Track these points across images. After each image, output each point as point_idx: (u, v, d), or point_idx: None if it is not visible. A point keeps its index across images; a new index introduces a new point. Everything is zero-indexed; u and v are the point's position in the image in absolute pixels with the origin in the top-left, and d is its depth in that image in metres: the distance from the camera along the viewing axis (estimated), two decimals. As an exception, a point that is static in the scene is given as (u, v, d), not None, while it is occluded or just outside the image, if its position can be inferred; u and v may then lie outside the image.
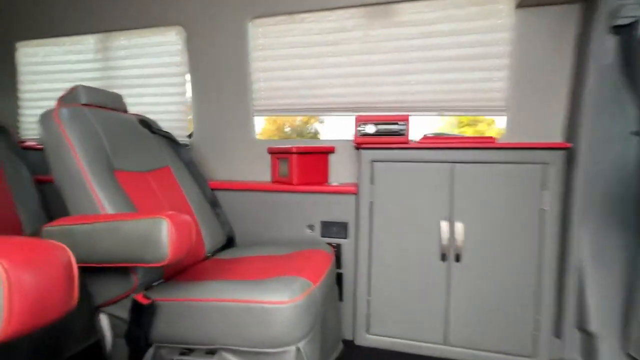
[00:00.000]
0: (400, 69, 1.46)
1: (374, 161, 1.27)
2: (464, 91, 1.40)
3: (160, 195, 1.20)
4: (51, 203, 1.47)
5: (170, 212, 0.84)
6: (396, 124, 1.24)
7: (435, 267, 1.24)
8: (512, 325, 1.21)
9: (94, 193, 0.98)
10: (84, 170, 0.98)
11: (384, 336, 1.32)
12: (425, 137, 1.26)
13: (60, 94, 1.89)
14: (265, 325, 0.84)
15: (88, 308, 1.04)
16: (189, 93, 1.69)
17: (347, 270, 1.41)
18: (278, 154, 1.51)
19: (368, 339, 1.33)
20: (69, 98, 1.15)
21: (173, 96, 1.70)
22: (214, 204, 1.47)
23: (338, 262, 1.40)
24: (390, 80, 1.47)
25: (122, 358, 0.97)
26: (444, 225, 1.22)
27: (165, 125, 1.69)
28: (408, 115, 1.24)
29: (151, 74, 1.72)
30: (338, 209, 1.40)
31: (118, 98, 1.29)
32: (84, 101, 1.15)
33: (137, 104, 1.75)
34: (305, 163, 1.44)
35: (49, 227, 0.88)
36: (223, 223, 1.46)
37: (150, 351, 0.94)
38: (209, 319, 0.87)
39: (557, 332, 1.24)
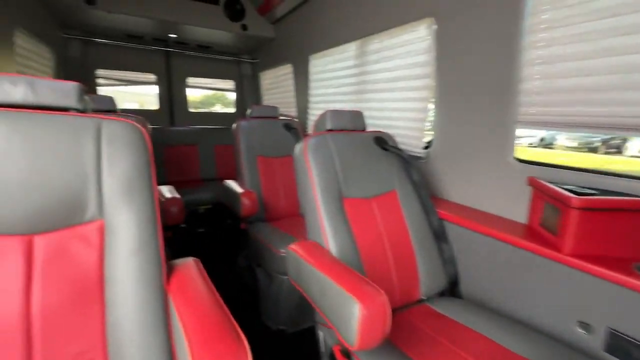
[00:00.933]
0: None
1: None
2: None
3: (380, 223, 1.16)
4: None
5: (369, 290, 0.74)
6: None
7: None
8: None
9: (320, 220, 1.05)
10: (316, 197, 1.07)
11: None
12: None
13: (330, 98, 2.23)
14: None
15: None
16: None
17: None
18: (544, 195, 1.01)
19: None
20: (320, 124, 1.27)
21: (414, 101, 1.53)
22: (440, 236, 1.24)
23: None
24: None
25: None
26: None
27: (403, 133, 1.58)
28: None
29: (395, 77, 1.62)
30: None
31: (358, 118, 1.31)
32: (329, 126, 1.24)
33: (381, 109, 1.73)
34: (596, 223, 0.87)
35: (290, 249, 1.04)
36: (447, 262, 1.22)
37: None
38: None
39: None
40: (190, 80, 3.58)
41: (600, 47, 0.92)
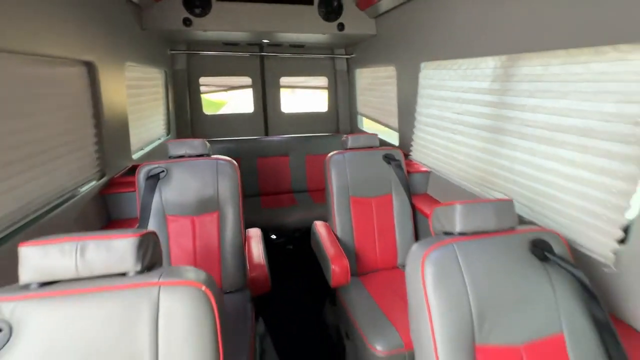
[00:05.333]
0: None
1: None
2: None
3: None
4: None
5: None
6: None
7: None
8: None
9: None
10: (434, 341, 0.74)
11: None
12: None
13: (446, 125, 1.73)
14: None
15: None
16: None
17: None
18: None
19: None
20: (443, 222, 0.86)
21: (606, 162, 0.97)
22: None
23: None
24: None
25: None
26: None
27: (574, 214, 1.06)
28: None
29: (570, 127, 1.06)
30: None
31: (506, 212, 0.86)
32: (458, 229, 0.83)
33: (533, 165, 1.20)
34: None
35: None
36: None
37: None
38: None
39: None
40: (284, 80, 3.43)
41: None
